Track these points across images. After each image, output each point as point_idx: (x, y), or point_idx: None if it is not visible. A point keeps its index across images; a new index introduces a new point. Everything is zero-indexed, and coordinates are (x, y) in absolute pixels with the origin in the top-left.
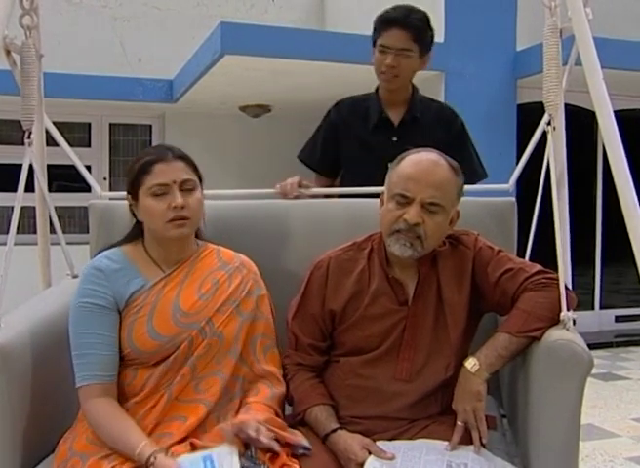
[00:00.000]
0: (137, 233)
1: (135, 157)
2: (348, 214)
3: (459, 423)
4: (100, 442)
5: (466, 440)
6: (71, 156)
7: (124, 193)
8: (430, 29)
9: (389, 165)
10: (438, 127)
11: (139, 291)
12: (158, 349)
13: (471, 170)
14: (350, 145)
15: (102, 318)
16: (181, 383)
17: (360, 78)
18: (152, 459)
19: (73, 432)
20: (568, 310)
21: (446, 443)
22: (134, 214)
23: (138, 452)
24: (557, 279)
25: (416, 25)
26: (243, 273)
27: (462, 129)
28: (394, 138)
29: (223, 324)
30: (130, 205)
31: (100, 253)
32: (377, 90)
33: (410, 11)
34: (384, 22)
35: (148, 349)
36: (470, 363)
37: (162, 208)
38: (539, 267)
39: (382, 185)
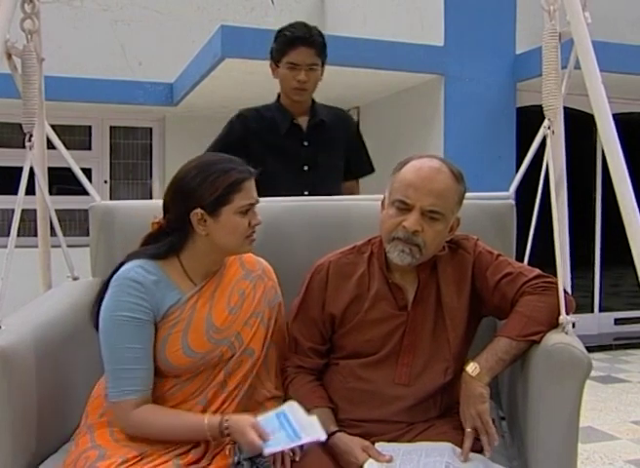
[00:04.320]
0: (171, 248)
1: (201, 170)
2: (349, 216)
3: (468, 429)
4: (125, 444)
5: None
6: (70, 162)
7: (125, 202)
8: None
9: (304, 167)
10: (339, 127)
11: (175, 304)
12: (190, 366)
13: (367, 164)
14: (262, 153)
15: (142, 331)
16: (214, 399)
17: (360, 81)
18: (225, 423)
19: (94, 425)
20: (567, 314)
21: (446, 443)
22: (182, 228)
23: (206, 423)
24: (556, 283)
25: (319, 41)
26: (265, 281)
27: (357, 127)
28: (305, 143)
29: (252, 338)
30: (198, 220)
31: (124, 262)
32: (278, 101)
33: (309, 28)
34: (291, 42)
35: (181, 365)
36: (471, 367)
37: (245, 225)
38: (538, 271)
39: (298, 187)
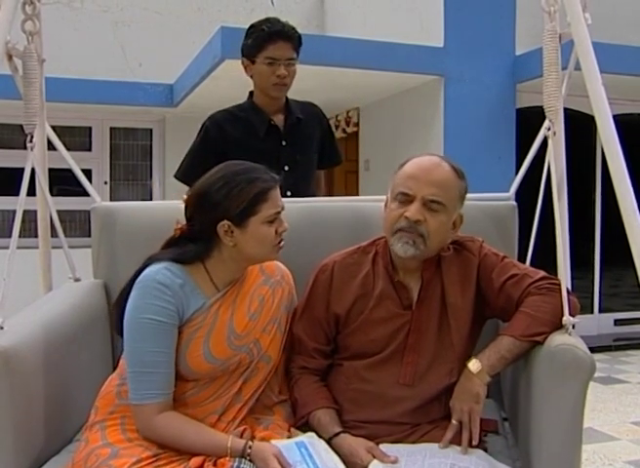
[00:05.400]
0: (196, 256)
1: (226, 181)
2: (353, 217)
3: (453, 422)
4: (139, 443)
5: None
6: (70, 163)
7: (127, 203)
8: None
9: (285, 168)
10: (314, 124)
11: (199, 309)
12: (210, 372)
13: (336, 156)
14: (241, 158)
15: (166, 335)
16: (230, 407)
17: (360, 82)
18: (248, 449)
19: (105, 422)
20: (571, 315)
21: (449, 446)
22: (208, 238)
23: (230, 445)
24: (561, 284)
25: (296, 35)
26: (283, 286)
27: (328, 120)
28: (283, 143)
29: (269, 344)
30: (225, 231)
31: (147, 264)
32: (251, 101)
33: (283, 23)
34: (269, 37)
35: (201, 371)
36: (473, 363)
37: (272, 233)
38: (543, 273)
39: (281, 189)
